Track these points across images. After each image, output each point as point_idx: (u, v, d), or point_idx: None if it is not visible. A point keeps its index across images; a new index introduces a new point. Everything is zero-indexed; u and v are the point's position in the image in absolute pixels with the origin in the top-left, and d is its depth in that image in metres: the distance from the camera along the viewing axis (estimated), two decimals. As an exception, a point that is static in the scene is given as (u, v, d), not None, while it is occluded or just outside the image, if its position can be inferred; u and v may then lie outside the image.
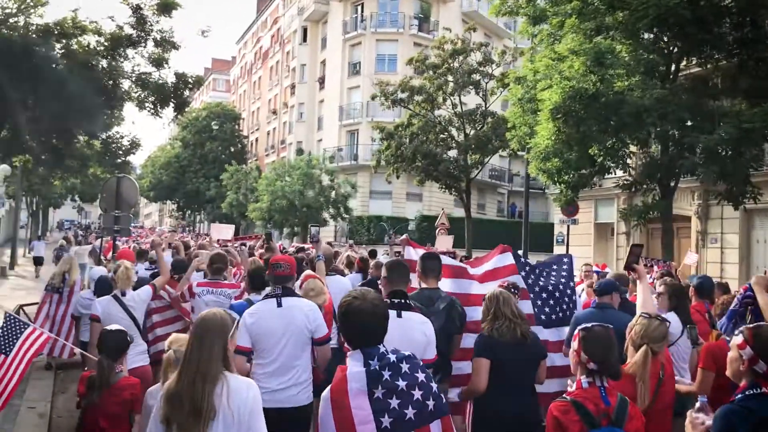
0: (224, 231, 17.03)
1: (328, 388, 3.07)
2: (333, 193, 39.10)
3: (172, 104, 17.52)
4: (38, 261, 27.22)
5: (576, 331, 3.66)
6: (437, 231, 24.72)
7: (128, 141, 19.00)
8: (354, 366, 3.03)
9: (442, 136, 26.94)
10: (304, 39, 53.35)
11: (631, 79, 13.05)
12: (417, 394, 2.98)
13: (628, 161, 15.27)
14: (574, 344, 3.59)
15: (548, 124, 13.83)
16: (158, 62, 16.67)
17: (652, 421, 3.88)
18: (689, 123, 13.88)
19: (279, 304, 4.80)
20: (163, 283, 6.86)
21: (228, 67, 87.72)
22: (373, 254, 13.77)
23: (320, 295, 5.83)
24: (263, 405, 3.24)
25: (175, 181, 61.79)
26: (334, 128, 47.47)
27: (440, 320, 4.99)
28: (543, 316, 6.23)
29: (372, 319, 3.13)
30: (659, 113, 12.95)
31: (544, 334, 5.87)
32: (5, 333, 5.91)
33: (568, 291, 6.59)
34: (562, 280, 6.65)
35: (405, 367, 3.02)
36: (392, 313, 3.88)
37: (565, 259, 7.00)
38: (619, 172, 16.87)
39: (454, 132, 27.10)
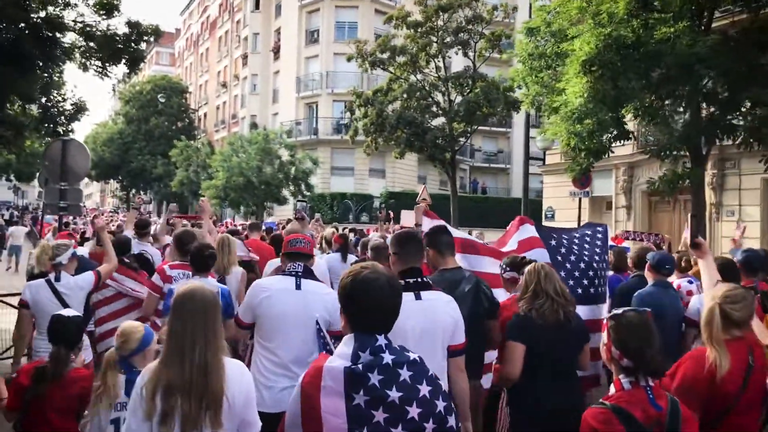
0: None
1: (302, 376, 2.58)
2: (293, 169, 36.68)
3: (124, 60, 14.87)
4: None
5: (605, 320, 3.08)
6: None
7: (72, 104, 16.16)
8: (337, 359, 2.45)
9: (424, 102, 24.56)
10: (257, 6, 50.28)
11: (679, 24, 11.13)
12: (413, 411, 2.35)
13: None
14: (604, 335, 3.01)
15: (580, 80, 11.85)
16: (107, 9, 13.98)
17: (738, 416, 3.30)
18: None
19: (298, 286, 4.21)
20: (109, 271, 6.09)
21: (172, 40, 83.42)
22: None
23: None
24: (269, 410, 3.12)
25: (118, 158, 58.09)
26: (291, 101, 44.75)
27: (467, 305, 4.25)
28: (580, 290, 5.54)
29: (383, 298, 2.50)
30: (709, 65, 11.13)
31: (580, 311, 4.90)
32: None
33: (603, 264, 5.93)
34: (597, 250, 5.95)
35: (405, 374, 2.40)
36: (409, 295, 3.51)
37: (599, 228, 6.32)
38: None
39: (439, 98, 24.78)
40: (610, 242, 14.76)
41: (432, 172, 47.56)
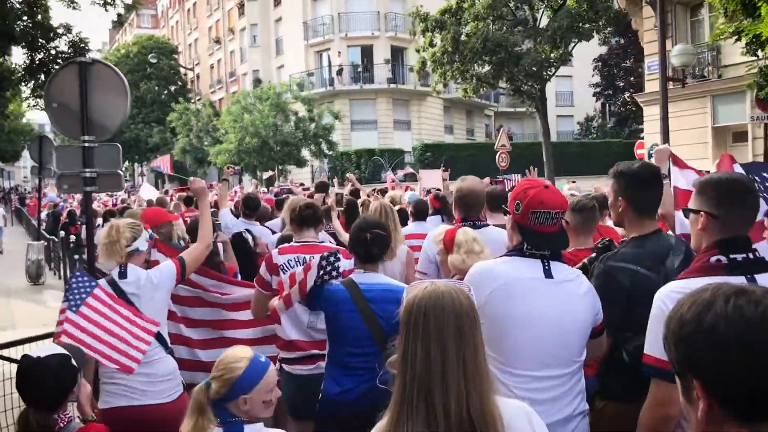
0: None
1: None
2: (313, 125, 32.45)
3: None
4: None
5: None
6: (498, 155, 18.85)
7: (68, 44, 11.85)
8: None
9: (508, 21, 19.92)
10: (251, -52, 45.26)
11: None
12: None
13: None
14: None
15: None
16: None
17: None
18: None
19: (548, 273, 2.57)
20: (199, 255, 4.01)
21: (153, 1, 77.92)
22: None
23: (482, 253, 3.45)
24: None
25: (108, 129, 53.46)
26: (298, 50, 40.15)
27: None
28: None
29: None
30: None
31: None
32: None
33: None
34: None
35: None
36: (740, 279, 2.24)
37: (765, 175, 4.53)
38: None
39: (527, 13, 20.10)
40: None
41: (459, 121, 43.48)
